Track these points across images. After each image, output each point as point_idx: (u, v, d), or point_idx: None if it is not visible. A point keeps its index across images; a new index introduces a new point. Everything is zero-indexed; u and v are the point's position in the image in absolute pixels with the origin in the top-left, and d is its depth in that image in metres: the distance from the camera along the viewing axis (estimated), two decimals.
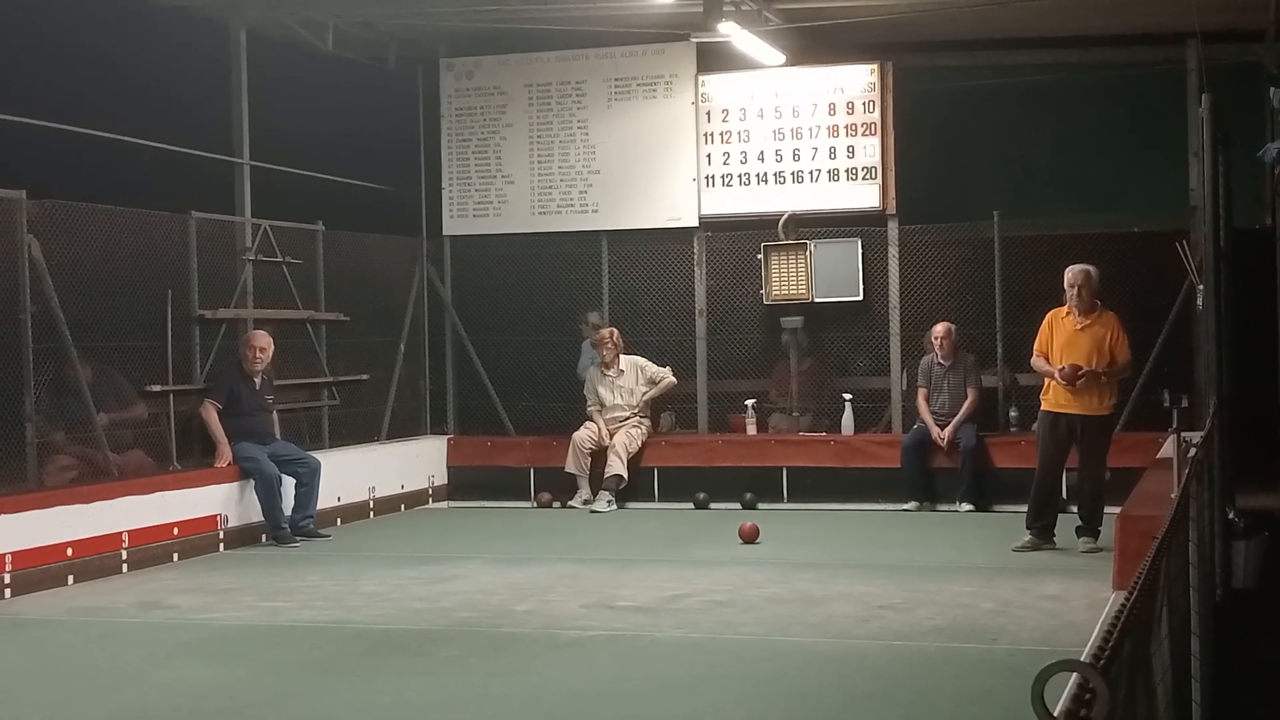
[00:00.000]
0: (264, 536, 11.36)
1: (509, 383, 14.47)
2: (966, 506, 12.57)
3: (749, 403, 13.71)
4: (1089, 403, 10.13)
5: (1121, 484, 9.76)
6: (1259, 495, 10.50)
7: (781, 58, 13.15)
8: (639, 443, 13.51)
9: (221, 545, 11.04)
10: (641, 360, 13.67)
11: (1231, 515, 8.61)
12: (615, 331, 13.66)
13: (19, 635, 8.19)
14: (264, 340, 11.69)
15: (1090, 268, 10.21)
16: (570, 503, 13.48)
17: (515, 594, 8.98)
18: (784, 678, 6.78)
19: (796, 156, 13.60)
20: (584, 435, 13.47)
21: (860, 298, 13.47)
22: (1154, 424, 11.64)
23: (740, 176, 13.75)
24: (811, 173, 13.58)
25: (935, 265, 13.38)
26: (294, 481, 11.51)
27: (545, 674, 6.94)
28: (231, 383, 11.53)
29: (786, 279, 13.52)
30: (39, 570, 9.38)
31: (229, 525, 11.15)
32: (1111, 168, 13.59)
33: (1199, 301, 10.65)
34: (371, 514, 12.95)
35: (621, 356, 13.61)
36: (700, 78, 13.80)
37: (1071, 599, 8.44)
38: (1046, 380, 10.29)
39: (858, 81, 13.49)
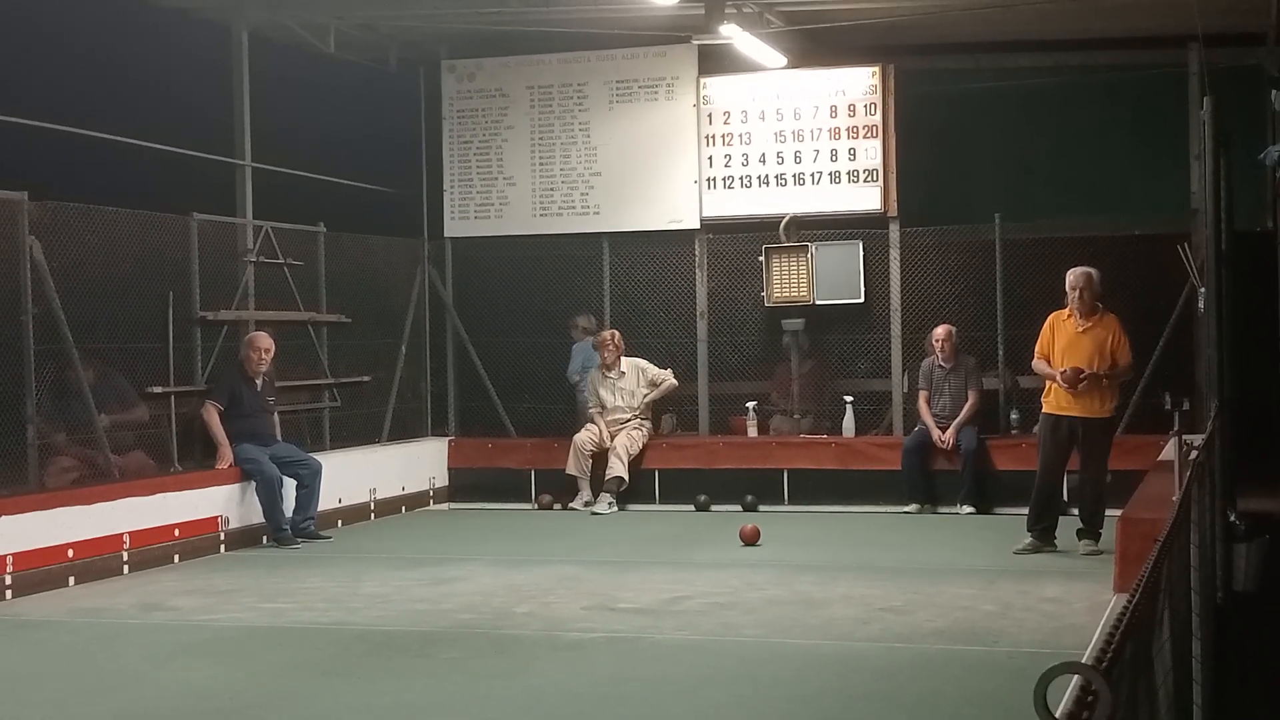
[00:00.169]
0: (265, 538, 11.36)
1: (510, 384, 14.47)
2: (967, 509, 12.57)
3: (750, 405, 13.71)
4: (1090, 405, 10.13)
5: (1122, 486, 9.74)
6: (1260, 498, 10.48)
7: (783, 60, 13.15)
8: (640, 445, 13.51)
9: (222, 547, 11.04)
10: (643, 362, 13.68)
11: (1232, 518, 8.61)
12: (616, 333, 13.66)
13: (20, 636, 8.20)
14: (268, 342, 11.70)
15: (1092, 270, 10.21)
16: (571, 504, 13.48)
17: (516, 596, 8.98)
18: (784, 680, 6.78)
19: (798, 159, 13.61)
20: (585, 437, 13.47)
21: (861, 300, 13.47)
22: (1155, 426, 11.64)
23: (741, 179, 13.76)
24: (813, 175, 13.58)
25: (936, 268, 13.38)
26: (295, 483, 11.51)
27: (546, 675, 6.94)
28: (233, 384, 11.53)
29: (788, 281, 13.53)
30: (40, 571, 9.38)
31: (230, 527, 11.15)
32: (1113, 170, 13.60)
33: (1200, 304, 10.65)
34: (372, 516, 12.95)
35: (623, 358, 13.61)
36: (702, 80, 13.80)
37: (1072, 601, 8.44)
38: (1047, 383, 10.30)
39: (859, 84, 13.49)
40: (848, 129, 13.51)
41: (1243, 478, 9.94)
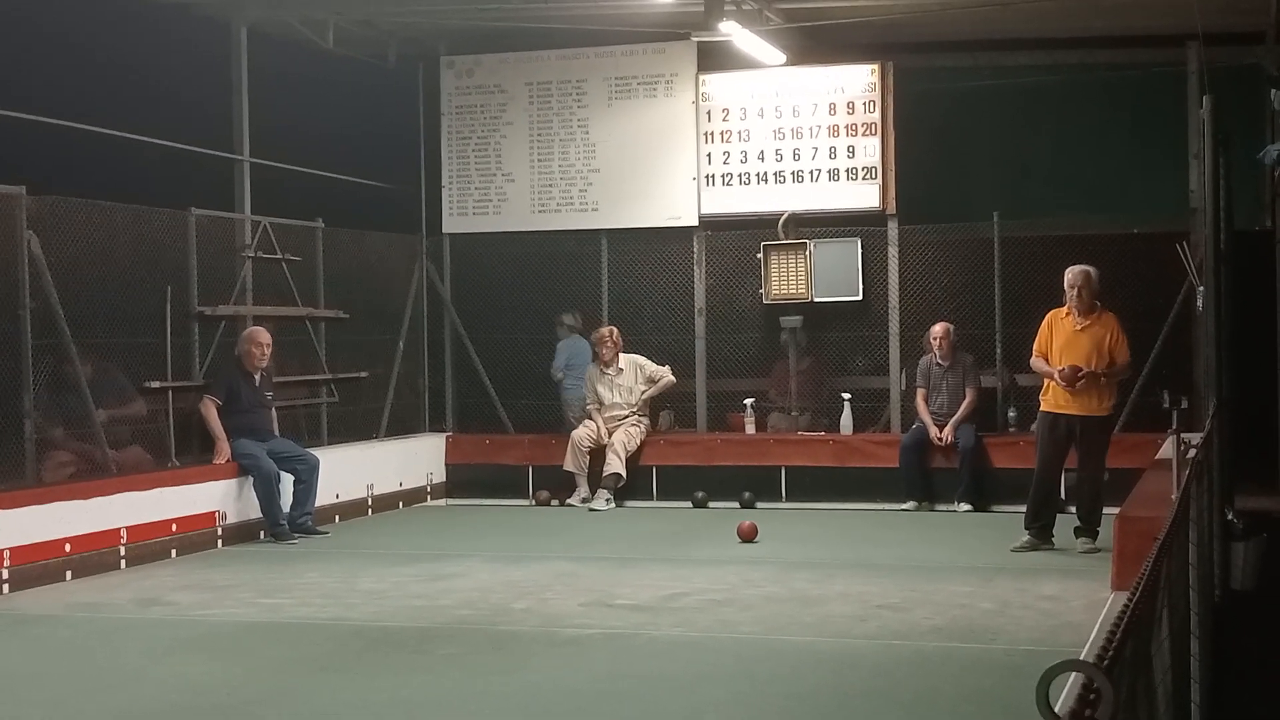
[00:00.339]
0: (262, 533, 11.36)
1: (508, 381, 14.47)
2: (965, 506, 12.57)
3: (748, 402, 13.71)
4: (1088, 403, 10.13)
5: (1120, 485, 9.75)
6: (1257, 497, 10.50)
7: (782, 57, 13.14)
8: (638, 441, 13.51)
9: (220, 542, 11.04)
10: (641, 359, 13.68)
11: (1230, 516, 8.62)
12: (615, 330, 13.66)
13: (17, 631, 8.19)
14: (267, 337, 11.71)
15: (1090, 269, 10.21)
16: (569, 501, 13.48)
17: (513, 592, 8.98)
18: (781, 677, 6.78)
19: (796, 156, 13.60)
20: (583, 433, 13.48)
21: (859, 297, 13.47)
22: (1153, 425, 11.64)
23: (740, 176, 13.75)
24: (811, 172, 13.58)
25: (935, 265, 13.39)
26: (292, 478, 11.51)
27: (543, 672, 6.94)
28: (231, 379, 11.53)
29: (786, 278, 13.53)
30: (37, 566, 9.38)
31: (227, 522, 11.15)
32: (1112, 169, 13.60)
33: (1199, 303, 10.67)
34: (370, 511, 12.95)
35: (621, 355, 13.61)
36: (701, 77, 13.80)
37: (1070, 599, 8.44)
38: (1046, 381, 10.30)
39: (858, 81, 13.49)
40: (846, 126, 13.51)
41: (1241, 476, 9.96)
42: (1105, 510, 9.87)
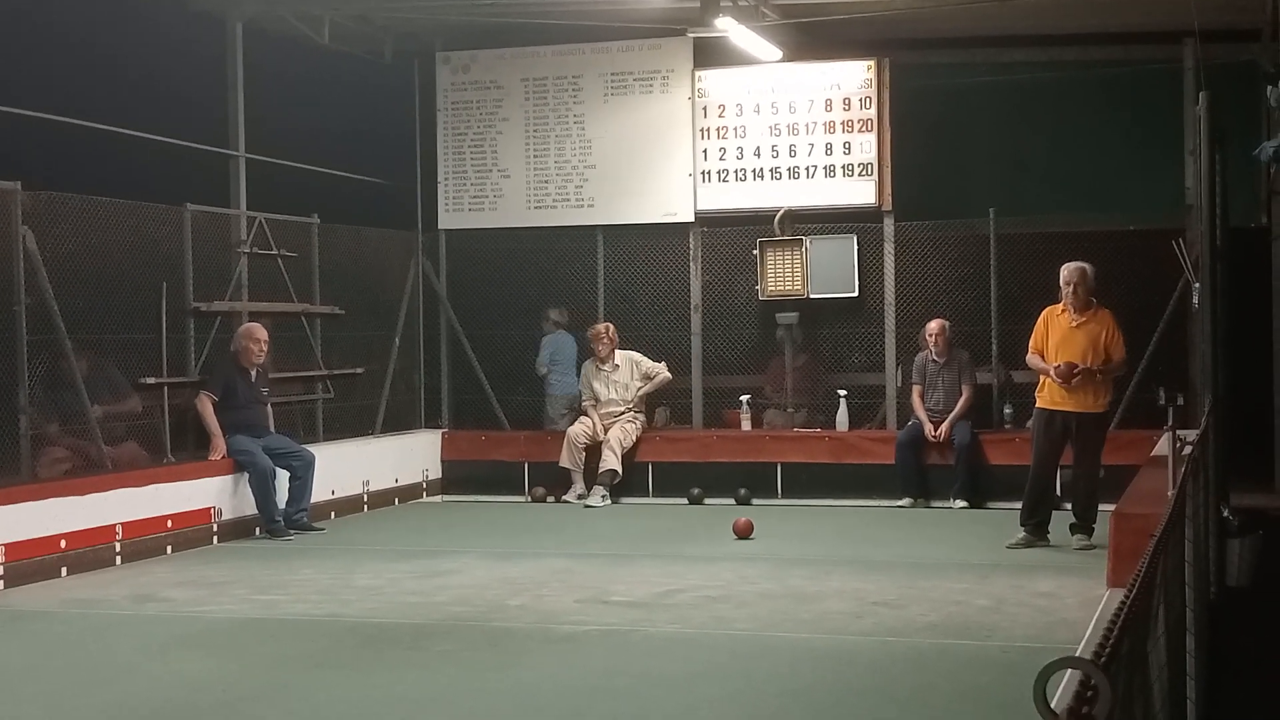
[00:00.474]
0: (258, 529, 11.35)
1: (503, 377, 14.46)
2: (960, 503, 12.58)
3: (744, 398, 13.71)
4: (1084, 400, 10.13)
5: (1116, 481, 9.75)
6: (1253, 493, 10.52)
7: (778, 53, 13.14)
8: (633, 438, 13.51)
9: (215, 538, 11.03)
10: (636, 355, 13.68)
11: (1225, 513, 8.62)
12: (610, 326, 13.66)
13: (12, 627, 8.19)
14: (264, 333, 11.70)
15: (1086, 265, 10.21)
16: (564, 497, 13.47)
17: (509, 588, 8.97)
18: (777, 673, 6.78)
19: (793, 152, 13.60)
20: (578, 430, 13.47)
21: (855, 294, 13.47)
22: (1149, 422, 11.68)
23: (736, 172, 13.75)
24: (808, 169, 13.57)
25: (931, 262, 13.38)
26: (288, 475, 11.50)
27: (538, 668, 6.94)
28: (227, 375, 11.51)
29: (782, 275, 13.52)
30: (32, 562, 9.37)
31: (223, 518, 11.14)
32: (1108, 166, 13.60)
33: (1194, 300, 10.67)
34: (365, 508, 12.94)
35: (617, 351, 13.61)
36: (697, 73, 13.79)
37: (1065, 596, 8.45)
38: (1041, 377, 10.30)
39: (854, 78, 13.48)
40: (843, 123, 13.51)
41: (1236, 473, 9.96)
42: (1101, 507, 9.88)
